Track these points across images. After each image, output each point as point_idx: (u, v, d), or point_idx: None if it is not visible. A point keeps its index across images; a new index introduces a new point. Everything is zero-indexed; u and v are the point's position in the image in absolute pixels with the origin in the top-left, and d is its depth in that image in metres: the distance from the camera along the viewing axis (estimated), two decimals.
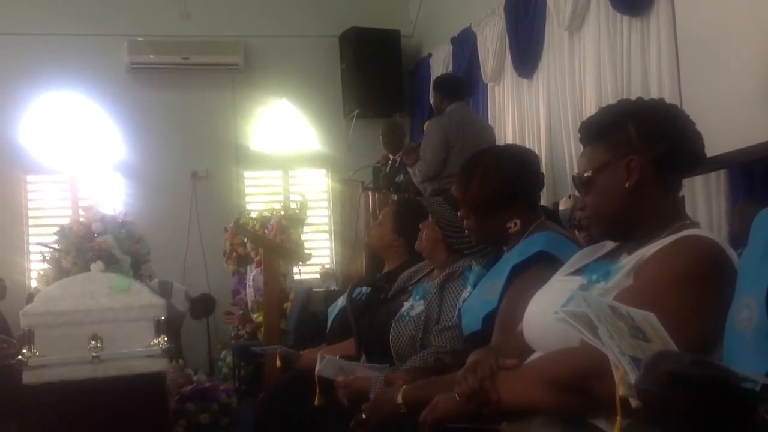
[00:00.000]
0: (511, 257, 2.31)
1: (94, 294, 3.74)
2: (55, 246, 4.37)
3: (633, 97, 1.95)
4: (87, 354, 3.61)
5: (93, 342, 3.62)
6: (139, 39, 7.85)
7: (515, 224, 2.35)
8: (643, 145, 1.77)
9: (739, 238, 1.73)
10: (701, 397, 1.26)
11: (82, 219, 4.42)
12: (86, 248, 4.14)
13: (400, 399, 2.19)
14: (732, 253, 1.64)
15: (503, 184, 2.35)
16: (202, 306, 6.95)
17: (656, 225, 1.76)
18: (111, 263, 4.07)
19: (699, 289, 1.56)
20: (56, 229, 4.56)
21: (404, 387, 2.21)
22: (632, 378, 1.27)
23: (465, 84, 6.44)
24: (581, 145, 1.93)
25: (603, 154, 1.81)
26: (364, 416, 2.31)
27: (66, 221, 4.72)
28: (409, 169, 5.83)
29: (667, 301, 1.53)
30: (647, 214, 1.77)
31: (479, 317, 2.29)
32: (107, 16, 7.81)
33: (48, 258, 4.43)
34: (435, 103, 5.91)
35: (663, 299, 1.53)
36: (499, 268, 2.34)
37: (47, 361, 3.58)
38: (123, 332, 3.69)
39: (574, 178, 1.90)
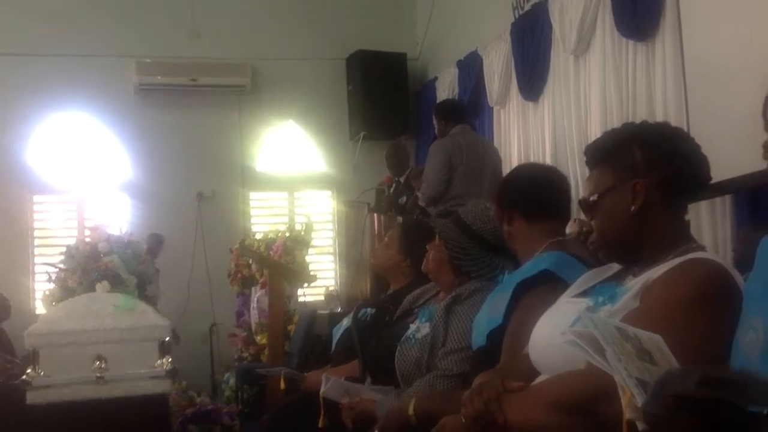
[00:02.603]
0: (518, 273, 2.32)
1: (99, 314, 3.75)
2: (61, 266, 4.38)
3: (638, 121, 1.95)
4: (91, 374, 3.61)
5: (97, 362, 3.63)
6: (148, 60, 7.90)
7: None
8: (649, 169, 1.77)
9: (743, 263, 1.73)
10: (708, 420, 1.26)
11: (88, 239, 4.44)
12: (92, 268, 4.16)
13: (411, 411, 2.22)
14: (738, 276, 1.64)
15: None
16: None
17: (662, 248, 1.76)
18: (116, 283, 4.08)
19: (705, 312, 1.56)
20: (62, 249, 4.57)
21: (415, 399, 2.24)
22: (639, 401, 1.26)
23: (465, 106, 6.47)
24: (587, 169, 1.94)
25: (609, 177, 1.81)
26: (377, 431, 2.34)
27: (72, 241, 4.74)
28: (417, 193, 5.84)
29: (674, 323, 1.53)
30: (653, 237, 1.77)
31: (484, 333, 2.29)
32: (116, 37, 7.86)
33: (53, 278, 4.44)
34: (438, 129, 5.92)
35: (669, 322, 1.53)
36: (507, 283, 2.35)
37: (52, 382, 3.59)
38: (127, 353, 3.70)
39: (580, 201, 1.91)
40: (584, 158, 1.94)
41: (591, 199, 1.84)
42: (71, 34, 7.75)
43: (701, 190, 1.87)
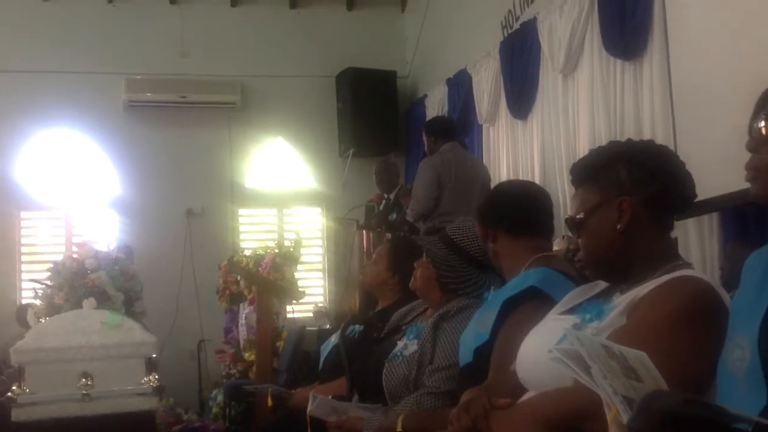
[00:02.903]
0: (505, 290, 2.32)
1: (85, 331, 3.73)
2: (48, 282, 4.36)
3: (624, 140, 1.96)
4: (77, 392, 3.59)
5: (83, 379, 3.60)
6: (137, 77, 7.90)
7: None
8: (635, 187, 1.78)
9: (731, 281, 1.74)
10: None
11: (75, 255, 4.42)
12: (79, 285, 4.14)
13: (399, 428, 2.21)
14: (724, 294, 1.65)
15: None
16: None
17: (649, 265, 1.76)
18: (103, 300, 4.06)
19: (692, 330, 1.56)
20: (49, 265, 4.55)
21: (402, 416, 2.24)
22: (625, 418, 1.26)
23: (455, 124, 6.49)
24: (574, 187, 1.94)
25: (595, 195, 1.82)
26: None
27: (59, 258, 4.72)
28: (406, 210, 5.86)
29: (660, 341, 1.53)
30: (640, 255, 1.78)
31: (471, 350, 2.28)
32: (105, 54, 7.86)
33: (40, 294, 4.42)
34: (428, 146, 5.95)
35: (656, 339, 1.53)
36: (494, 300, 2.35)
37: (37, 399, 3.56)
38: (114, 370, 3.68)
39: (567, 220, 1.91)
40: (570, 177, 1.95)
41: (577, 217, 1.84)
42: (61, 51, 7.75)
43: (687, 207, 1.88)
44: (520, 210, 2.41)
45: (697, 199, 1.86)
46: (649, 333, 1.56)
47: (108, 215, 7.92)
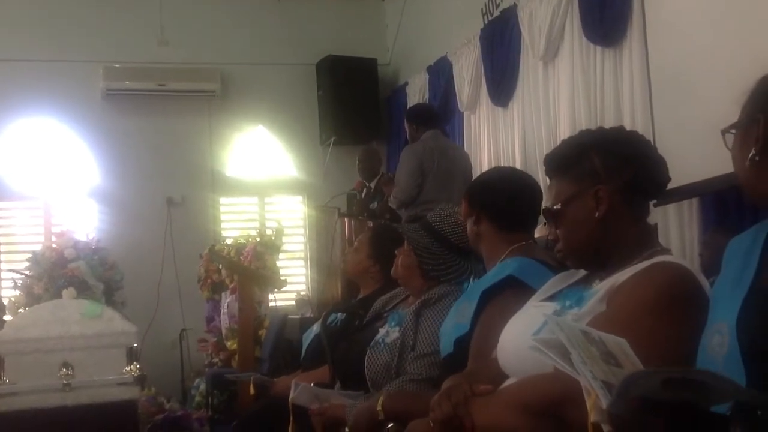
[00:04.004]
0: (483, 281, 2.33)
1: (65, 321, 3.71)
2: (27, 272, 4.33)
3: (607, 126, 1.97)
4: (58, 382, 3.57)
5: (64, 369, 3.58)
6: (116, 65, 7.83)
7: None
8: (609, 174, 1.79)
9: (710, 268, 1.75)
10: (672, 422, 1.27)
11: (54, 245, 4.39)
12: (58, 275, 4.12)
13: (379, 406, 2.23)
14: (703, 280, 1.66)
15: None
16: None
17: (628, 252, 1.77)
18: (83, 290, 4.04)
19: (670, 315, 1.57)
20: (28, 255, 4.52)
21: (384, 395, 2.25)
22: (604, 403, 1.27)
23: (437, 112, 6.49)
24: None
25: (570, 186, 1.83)
26: (347, 429, 2.35)
27: (38, 248, 4.69)
28: (389, 198, 5.86)
29: (639, 327, 1.54)
30: (619, 242, 1.79)
31: (452, 340, 2.29)
32: (83, 42, 7.78)
33: (19, 284, 4.39)
34: (410, 134, 5.95)
35: (635, 325, 1.54)
36: (473, 291, 2.36)
37: (17, 389, 3.54)
38: (94, 360, 3.66)
39: (544, 211, 1.92)
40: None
41: (554, 208, 1.85)
42: (38, 39, 7.66)
43: (662, 192, 1.89)
44: (511, 203, 2.39)
45: (677, 185, 1.87)
46: (629, 319, 1.57)
47: (87, 205, 7.86)
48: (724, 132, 1.51)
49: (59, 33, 7.73)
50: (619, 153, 1.81)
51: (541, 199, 2.49)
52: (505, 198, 2.40)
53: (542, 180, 5.64)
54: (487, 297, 2.23)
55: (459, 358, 2.22)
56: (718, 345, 1.35)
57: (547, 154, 1.94)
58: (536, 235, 3.69)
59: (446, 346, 2.34)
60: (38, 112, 7.66)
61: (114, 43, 7.87)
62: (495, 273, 2.29)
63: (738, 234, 1.51)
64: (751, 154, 1.42)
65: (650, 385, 1.21)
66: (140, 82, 7.83)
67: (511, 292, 2.13)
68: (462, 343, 2.24)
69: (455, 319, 2.33)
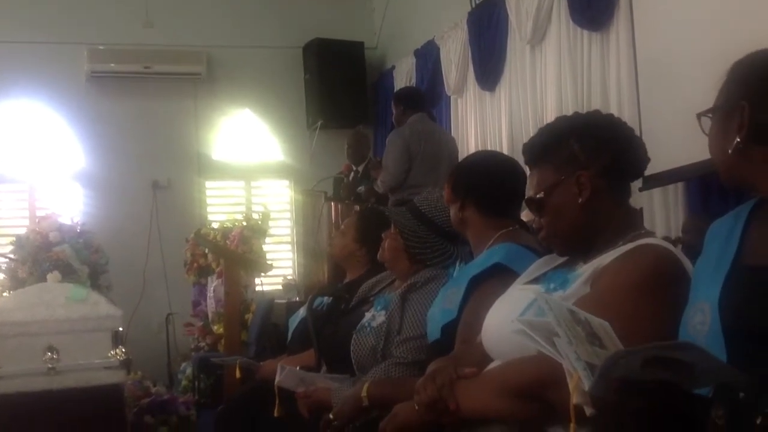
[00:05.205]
0: (471, 267, 2.32)
1: (50, 304, 3.69)
2: (11, 256, 4.31)
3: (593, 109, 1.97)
4: (43, 365, 3.56)
5: (49, 353, 3.57)
6: (100, 47, 7.76)
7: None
8: (589, 159, 1.79)
9: (689, 252, 1.76)
10: (654, 403, 1.28)
11: (39, 229, 4.37)
12: (43, 258, 4.10)
13: (364, 393, 2.23)
14: (686, 261, 1.67)
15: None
16: None
17: (612, 235, 1.78)
18: (68, 273, 4.03)
19: (653, 297, 1.58)
20: (13, 239, 4.49)
21: (369, 382, 2.26)
22: (586, 385, 1.28)
23: (425, 95, 6.48)
24: None
25: (551, 173, 1.83)
26: (331, 416, 2.35)
27: (23, 231, 4.66)
28: (377, 182, 5.86)
29: (623, 309, 1.55)
30: (603, 226, 1.79)
31: (439, 327, 2.29)
32: (67, 24, 7.70)
33: (3, 268, 4.37)
34: (396, 116, 5.94)
35: (618, 307, 1.55)
36: (461, 277, 2.36)
37: (2, 373, 3.54)
38: (80, 343, 3.65)
39: (527, 200, 1.91)
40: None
41: (537, 196, 1.85)
42: (21, 20, 7.58)
43: (642, 173, 1.91)
44: (497, 188, 2.38)
45: (662, 170, 1.88)
46: (612, 300, 1.58)
47: (72, 188, 7.81)
48: (700, 116, 1.52)
49: (43, 15, 7.65)
50: (597, 137, 1.82)
51: (525, 182, 2.48)
52: (490, 183, 2.38)
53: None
54: (474, 284, 2.24)
55: (446, 343, 2.22)
56: (700, 323, 1.37)
57: (525, 144, 1.94)
58: (524, 219, 3.69)
59: (434, 331, 2.34)
60: (22, 94, 7.60)
61: (99, 25, 7.80)
62: (483, 260, 2.28)
63: (719, 218, 1.52)
64: (736, 142, 1.43)
65: (631, 365, 1.22)
66: (125, 64, 7.77)
67: (499, 279, 2.12)
68: (449, 329, 2.24)
69: (443, 305, 2.34)
